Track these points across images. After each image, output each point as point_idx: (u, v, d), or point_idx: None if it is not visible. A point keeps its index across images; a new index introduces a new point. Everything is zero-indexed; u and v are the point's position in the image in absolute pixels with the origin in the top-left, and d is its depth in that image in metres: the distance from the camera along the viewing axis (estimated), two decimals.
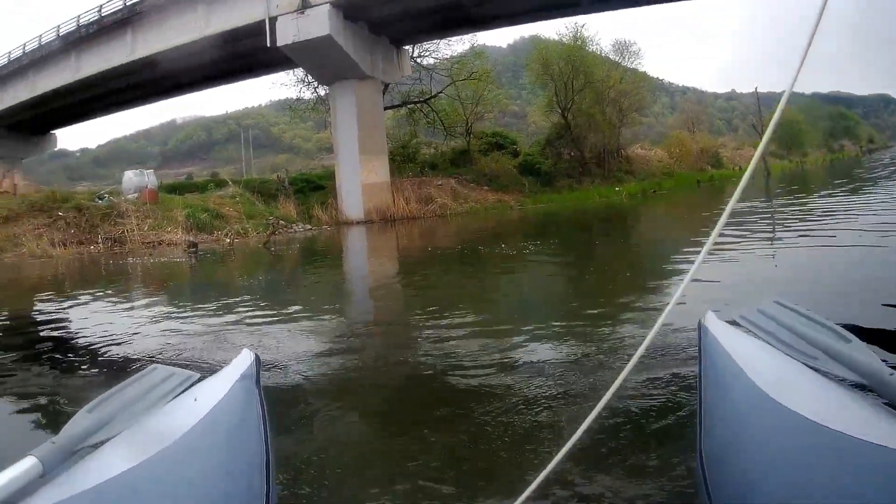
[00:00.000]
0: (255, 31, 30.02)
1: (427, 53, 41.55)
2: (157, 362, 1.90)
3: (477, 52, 43.01)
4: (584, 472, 2.49)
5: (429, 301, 7.78)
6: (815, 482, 1.03)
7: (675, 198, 34.48)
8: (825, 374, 1.33)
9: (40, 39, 39.47)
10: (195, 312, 7.96)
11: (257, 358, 1.77)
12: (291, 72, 39.76)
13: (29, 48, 40.27)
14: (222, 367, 1.76)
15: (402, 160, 37.36)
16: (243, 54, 34.32)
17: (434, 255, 14.92)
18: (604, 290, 7.63)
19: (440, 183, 35.56)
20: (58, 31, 38.20)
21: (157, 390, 1.62)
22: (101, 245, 23.74)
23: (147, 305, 9.43)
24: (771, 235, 11.31)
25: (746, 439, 1.28)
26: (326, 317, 7.09)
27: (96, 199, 27.05)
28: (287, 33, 28.80)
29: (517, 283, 9.44)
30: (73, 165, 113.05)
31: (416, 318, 6.74)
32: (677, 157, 50.98)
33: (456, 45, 41.20)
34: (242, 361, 1.74)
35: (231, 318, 7.16)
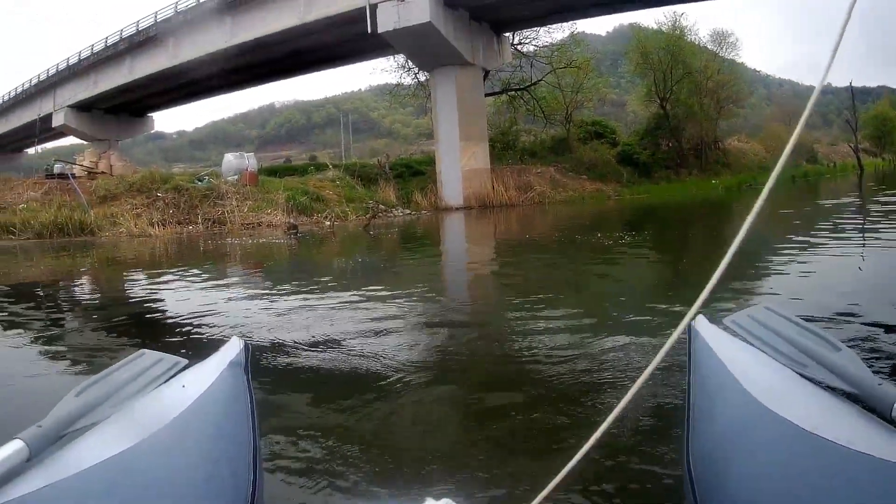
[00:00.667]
0: (355, 18, 30.16)
1: (527, 41, 41.32)
2: (148, 347, 1.79)
3: (576, 40, 42.54)
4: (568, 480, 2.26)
5: (520, 289, 7.70)
6: (804, 490, 1.03)
7: (771, 193, 33.45)
8: (815, 381, 1.32)
9: (137, 25, 40.57)
10: (287, 291, 8.03)
11: (247, 346, 1.75)
12: (392, 58, 39.99)
13: (126, 34, 41.36)
14: (212, 354, 1.73)
15: (502, 147, 37.28)
16: (343, 41, 34.62)
17: (531, 243, 14.73)
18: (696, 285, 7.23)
19: (539, 171, 35.35)
20: (155, 17, 39.18)
21: (145, 375, 1.61)
22: (200, 225, 24.16)
23: (240, 284, 9.62)
24: (861, 235, 10.88)
25: (735, 445, 1.28)
26: (416, 300, 7.01)
27: (196, 181, 27.53)
28: (388, 20, 28.89)
29: (612, 275, 9.18)
30: (169, 147, 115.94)
31: (507, 306, 6.62)
32: (773, 151, 49.54)
33: (556, 33, 40.91)
34: (231, 349, 1.73)
35: (326, 298, 7.18)
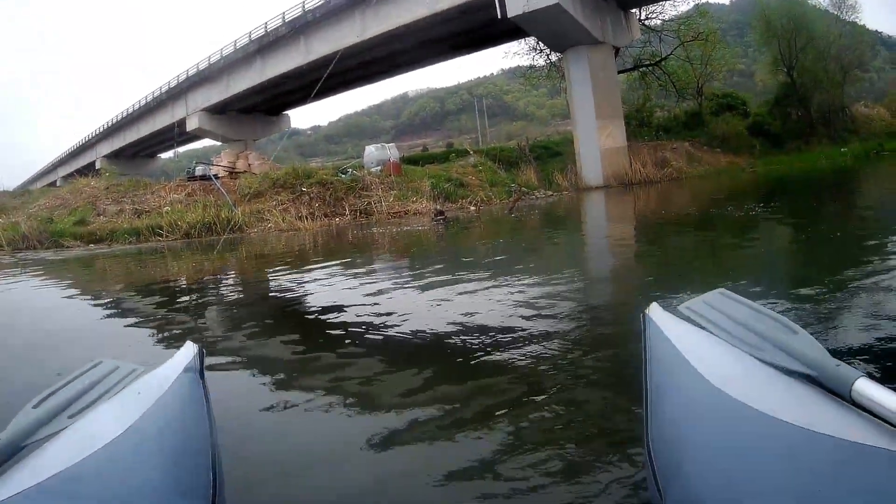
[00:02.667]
0: (485, 5, 30.59)
1: (654, 15, 41.24)
2: (105, 356, 1.83)
3: (701, 11, 42.50)
4: (529, 466, 2.46)
5: (665, 270, 7.73)
6: (765, 473, 1.02)
7: None
8: (772, 364, 1.32)
9: (266, 26, 41.73)
10: (446, 278, 7.92)
11: (201, 350, 1.78)
12: (523, 41, 40.47)
13: (255, 35, 42.64)
14: (165, 361, 1.75)
15: (637, 124, 37.39)
16: (474, 28, 35.16)
17: (666, 220, 14.73)
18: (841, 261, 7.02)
19: (674, 146, 35.42)
20: (283, 17, 40.34)
21: (102, 384, 1.62)
22: (348, 216, 24.82)
23: (400, 271, 9.64)
24: None
25: (694, 431, 1.28)
26: (554, 283, 6.81)
27: (340, 174, 28.29)
28: (517, 4, 29.16)
29: (757, 251, 8.98)
30: (305, 143, 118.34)
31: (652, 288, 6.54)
32: None
33: (681, 6, 40.98)
34: (186, 354, 1.76)
35: (479, 282, 7.21)
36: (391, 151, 31.65)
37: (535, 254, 10.80)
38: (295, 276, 9.79)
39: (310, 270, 10.14)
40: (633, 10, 37.47)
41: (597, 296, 6.26)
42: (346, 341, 4.95)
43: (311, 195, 25.92)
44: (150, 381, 1.62)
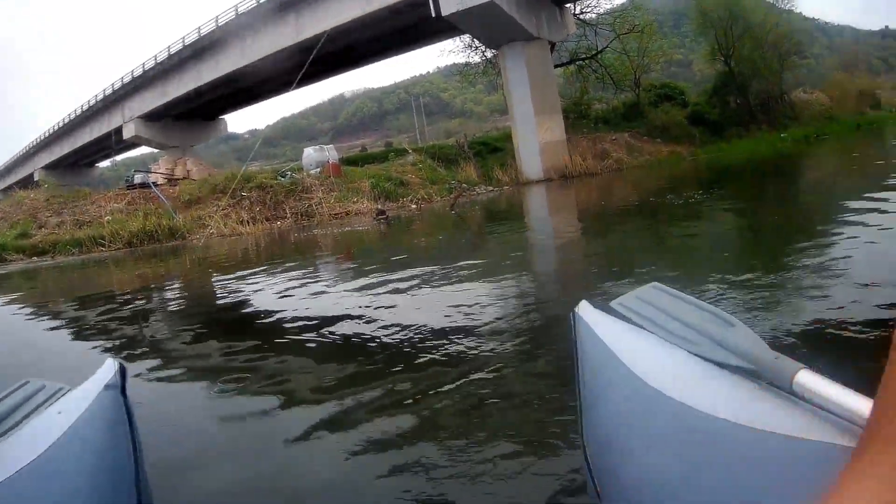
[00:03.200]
0: (418, 3, 30.67)
1: (588, 9, 41.52)
2: (32, 376, 1.75)
3: (636, 5, 43.04)
4: (465, 470, 2.40)
5: (604, 258, 7.83)
6: (704, 471, 0.99)
7: (838, 143, 33.22)
8: (709, 360, 1.25)
9: (199, 31, 41.36)
10: (387, 277, 7.89)
11: (122, 367, 1.65)
12: (458, 38, 40.49)
13: (189, 40, 42.20)
14: (86, 379, 1.65)
15: (576, 117, 37.54)
16: (409, 26, 35.13)
17: (612, 210, 14.85)
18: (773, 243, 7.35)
19: (614, 138, 35.66)
20: (216, 21, 40.01)
21: (27, 404, 1.58)
22: (289, 219, 24.79)
23: (341, 274, 9.63)
24: None
25: (630, 432, 1.22)
26: (501, 275, 6.97)
27: (279, 177, 28.25)
28: (451, 2, 29.24)
29: (697, 235, 9.18)
30: (242, 147, 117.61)
31: (589, 277, 6.70)
32: (836, 100, 49.44)
33: None
34: (106, 371, 1.65)
35: (423, 280, 7.18)
36: (330, 153, 31.67)
37: (478, 249, 10.80)
38: (237, 281, 9.80)
39: (253, 275, 10.10)
40: (568, 5, 37.60)
41: (540, 291, 6.26)
42: (288, 345, 4.86)
43: (252, 199, 25.82)
44: (71, 401, 1.55)
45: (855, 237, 6.23)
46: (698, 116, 40.07)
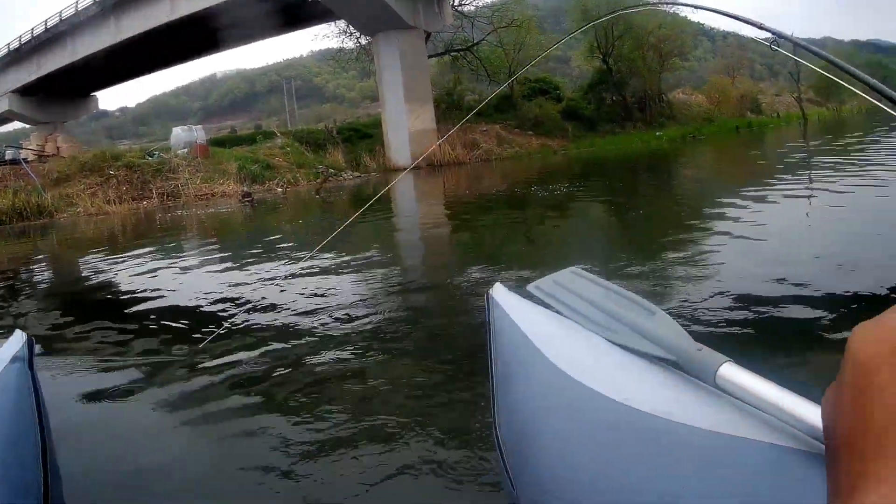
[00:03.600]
0: None
1: (468, 1, 41.82)
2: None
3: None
4: (382, 464, 2.35)
5: (468, 247, 8.03)
6: (620, 463, 0.96)
7: (713, 144, 34.37)
8: (628, 348, 1.24)
9: (76, 5, 40.13)
10: (249, 261, 7.99)
11: (30, 339, 1.66)
12: (333, 23, 40.16)
13: (66, 15, 40.92)
14: None
15: (447, 107, 37.32)
16: (284, 9, 34.80)
17: (477, 200, 15.13)
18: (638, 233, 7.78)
19: (485, 129, 35.96)
20: None
21: None
22: (155, 200, 24.53)
23: (201, 256, 9.56)
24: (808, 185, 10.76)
25: (542, 419, 1.19)
26: (371, 266, 7.00)
27: (147, 157, 27.83)
28: None
29: (560, 226, 9.46)
30: (113, 125, 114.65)
31: (455, 265, 6.78)
32: (717, 102, 50.81)
33: None
34: (14, 343, 1.66)
35: (279, 265, 7.42)
36: (198, 133, 31.22)
37: (341, 236, 10.60)
38: (103, 262, 9.66)
39: (120, 256, 9.97)
40: None
41: (404, 278, 6.32)
42: (153, 329, 4.85)
43: (119, 178, 25.41)
44: None
45: (713, 232, 6.64)
46: (572, 112, 40.63)
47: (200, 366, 3.66)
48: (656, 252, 5.93)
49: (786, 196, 8.94)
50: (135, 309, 5.70)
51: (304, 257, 7.19)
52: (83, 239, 14.69)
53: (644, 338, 1.23)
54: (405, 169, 29.07)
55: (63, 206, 23.29)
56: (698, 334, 1.27)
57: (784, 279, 4.26)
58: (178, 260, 8.92)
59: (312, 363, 3.61)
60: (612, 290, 1.47)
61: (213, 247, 10.83)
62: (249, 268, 7.29)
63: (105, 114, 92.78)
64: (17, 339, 1.68)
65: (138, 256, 9.63)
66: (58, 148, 35.65)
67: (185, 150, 28.93)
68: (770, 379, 0.93)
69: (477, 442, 2.40)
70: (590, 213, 10.63)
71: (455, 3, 40.47)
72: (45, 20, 42.60)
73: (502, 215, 11.32)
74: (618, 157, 28.13)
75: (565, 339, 1.34)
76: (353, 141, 34.67)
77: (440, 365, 3.37)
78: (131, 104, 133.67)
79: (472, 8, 42.04)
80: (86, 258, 10.63)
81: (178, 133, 31.07)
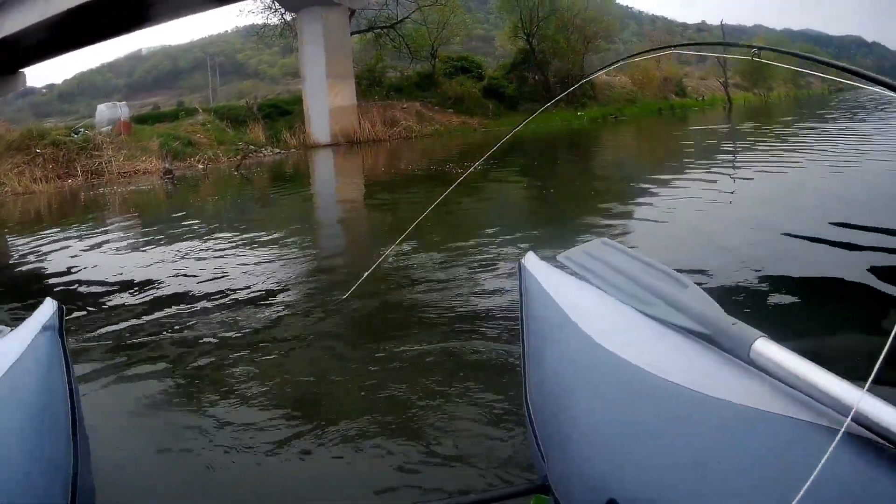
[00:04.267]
0: None
1: None
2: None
3: None
4: (413, 432, 2.47)
5: (385, 222, 8.36)
6: (652, 433, 0.98)
7: (634, 124, 35.43)
8: (660, 321, 1.26)
9: None
10: (167, 238, 8.17)
11: (61, 307, 1.71)
12: None
13: None
14: (25, 320, 1.70)
15: (368, 84, 37.76)
16: None
17: (395, 176, 15.72)
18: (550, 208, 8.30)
19: (405, 106, 36.25)
20: None
21: None
22: (80, 178, 24.32)
23: (120, 234, 9.79)
24: (731, 166, 11.48)
25: (572, 387, 1.21)
26: (288, 240, 7.31)
27: (72, 134, 27.42)
28: None
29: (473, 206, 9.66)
30: (40, 102, 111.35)
31: (373, 240, 7.13)
32: (640, 84, 51.30)
33: None
34: (45, 312, 1.69)
35: (204, 244, 7.51)
36: (122, 110, 30.93)
37: (254, 215, 11.15)
38: (29, 241, 9.69)
39: (44, 236, 10.02)
40: None
41: (324, 259, 6.44)
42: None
43: (45, 157, 25.06)
44: (9, 342, 1.56)
45: (619, 213, 7.10)
46: (494, 90, 41.02)
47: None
48: (568, 230, 6.35)
49: (690, 180, 9.41)
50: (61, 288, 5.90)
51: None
52: (11, 219, 14.72)
53: (677, 310, 1.25)
54: (324, 145, 29.59)
55: None
56: None
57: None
58: (111, 239, 9.01)
59: (274, 342, 3.74)
60: (644, 261, 1.52)
61: (133, 225, 11.09)
62: (161, 246, 7.52)
63: (32, 91, 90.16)
64: (48, 307, 1.72)
65: (60, 236, 9.81)
66: None
67: (109, 127, 28.62)
68: (804, 356, 0.96)
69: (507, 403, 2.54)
70: (502, 192, 11.01)
71: None
72: None
73: (418, 193, 11.61)
74: (536, 136, 28.46)
75: (598, 309, 1.38)
76: (274, 117, 34.65)
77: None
78: (58, 81, 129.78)
79: None
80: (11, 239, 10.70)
81: (102, 110, 30.68)
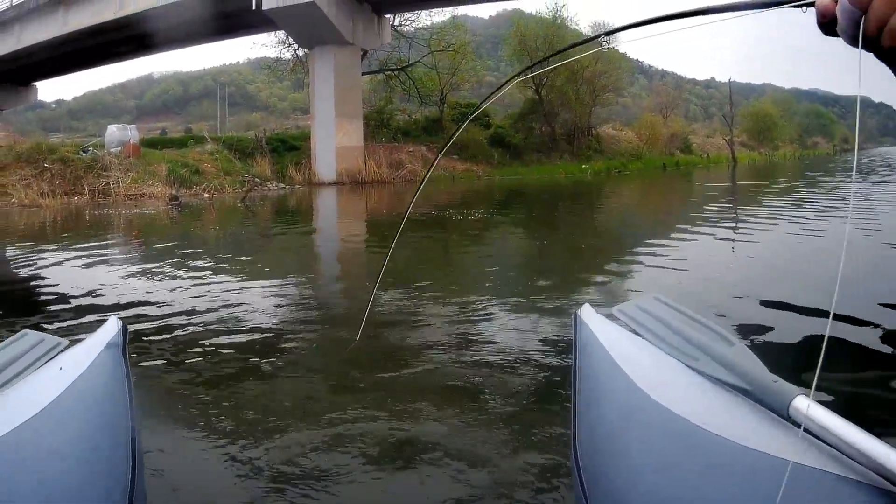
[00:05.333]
0: None
1: (408, 22, 42.35)
2: (28, 328, 1.83)
3: (457, 24, 44.14)
4: (455, 471, 2.43)
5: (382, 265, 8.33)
6: (693, 485, 1.00)
7: (638, 179, 35.53)
8: (705, 375, 1.28)
9: None
10: (174, 266, 8.04)
11: (124, 326, 1.73)
12: (273, 33, 40.54)
13: (16, 1, 40.61)
14: (89, 336, 1.70)
15: (376, 125, 38.14)
16: (228, 14, 34.90)
17: (397, 220, 15.36)
18: (542, 262, 8.14)
19: (411, 150, 36.66)
20: None
21: (25, 358, 1.59)
22: (87, 196, 24.58)
23: (130, 258, 9.62)
24: (733, 225, 11.40)
25: (621, 437, 1.24)
26: (286, 277, 7.27)
27: (81, 152, 27.81)
28: None
29: (476, 248, 9.91)
30: (49, 117, 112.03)
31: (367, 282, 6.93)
32: (646, 139, 51.55)
33: (437, 16, 41.79)
34: (109, 330, 1.71)
35: (208, 274, 7.34)
36: (132, 133, 31.22)
37: (260, 249, 11.04)
38: (37, 255, 9.72)
39: (52, 251, 10.13)
40: (388, 16, 38.51)
41: (322, 299, 6.27)
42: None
43: (53, 172, 25.42)
44: (73, 357, 1.57)
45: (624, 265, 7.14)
46: (500, 139, 41.38)
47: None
48: (563, 284, 6.32)
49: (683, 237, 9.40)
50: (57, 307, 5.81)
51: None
52: (16, 230, 15.12)
53: (722, 366, 1.27)
54: (329, 183, 29.84)
55: None
56: None
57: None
58: (108, 263, 8.92)
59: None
60: (694, 317, 1.56)
61: (143, 250, 10.99)
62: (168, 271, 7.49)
63: (41, 105, 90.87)
64: (112, 325, 1.73)
65: (67, 250, 9.96)
66: None
67: (118, 148, 28.90)
68: (841, 414, 0.99)
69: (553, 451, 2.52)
70: (504, 241, 11.13)
71: (395, 23, 41.09)
72: None
73: (419, 237, 11.52)
74: (539, 187, 29.01)
75: (648, 361, 1.41)
76: (281, 152, 34.99)
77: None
78: (68, 97, 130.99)
79: (412, 28, 42.77)
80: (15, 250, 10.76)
81: (113, 131, 30.90)
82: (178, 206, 20.48)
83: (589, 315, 1.68)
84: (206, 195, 25.97)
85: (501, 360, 3.81)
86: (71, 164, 26.05)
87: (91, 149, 28.72)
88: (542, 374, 3.54)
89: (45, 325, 4.84)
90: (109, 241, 12.23)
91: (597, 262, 7.85)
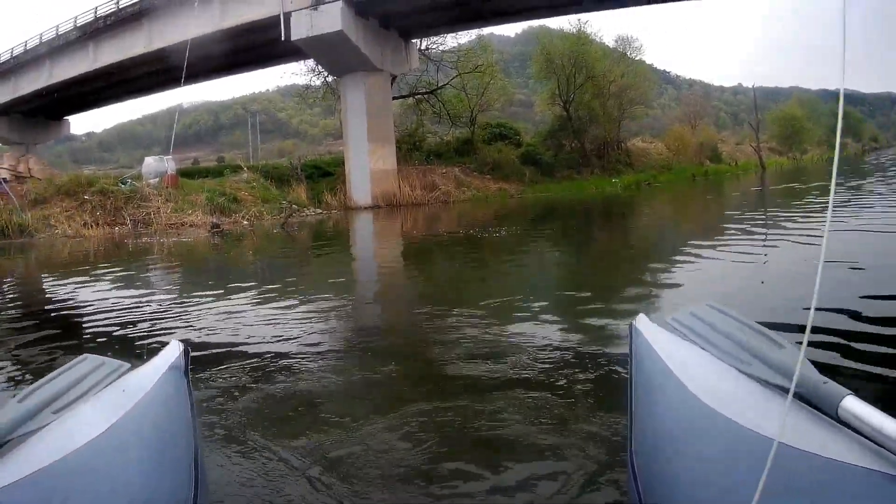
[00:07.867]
0: (268, 25, 31.28)
1: (435, 46, 42.55)
2: (89, 351, 1.85)
3: (483, 45, 44.31)
4: (516, 473, 2.51)
5: (425, 284, 8.60)
6: (746, 488, 0.98)
7: (668, 191, 35.61)
8: (758, 379, 1.31)
9: (57, 29, 40.59)
10: (223, 292, 8.17)
11: (186, 349, 1.77)
12: (303, 62, 40.98)
13: (46, 38, 41.37)
14: (151, 358, 1.75)
15: (409, 148, 38.31)
16: (257, 46, 35.67)
17: (434, 240, 15.99)
18: (581, 275, 8.42)
19: (444, 171, 36.79)
20: (75, 21, 39.39)
21: (87, 380, 1.62)
22: (128, 226, 25.07)
23: (182, 286, 9.92)
24: (764, 233, 11.48)
25: (676, 442, 1.28)
26: (330, 297, 7.38)
27: (120, 184, 28.31)
28: (301, 28, 29.93)
29: (513, 265, 10.01)
30: (79, 149, 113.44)
31: (412, 301, 7.20)
32: (675, 150, 51.33)
33: (463, 38, 42.09)
34: (171, 352, 1.75)
35: (255, 300, 7.50)
36: (169, 164, 31.71)
37: (304, 270, 11.55)
38: (90, 282, 10.22)
39: (102, 276, 10.72)
40: (414, 41, 38.76)
41: (359, 318, 6.50)
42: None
43: (93, 203, 25.95)
44: (135, 379, 1.61)
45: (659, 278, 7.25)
46: (531, 157, 41.38)
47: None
48: (603, 295, 6.46)
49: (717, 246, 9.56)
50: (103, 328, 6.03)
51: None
52: (69, 260, 15.54)
53: (774, 370, 1.30)
54: (365, 207, 30.22)
55: (42, 226, 23.99)
56: None
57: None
58: (156, 289, 9.28)
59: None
60: (745, 323, 1.57)
61: (193, 276, 11.47)
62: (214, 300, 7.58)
63: (72, 138, 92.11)
64: (174, 348, 1.77)
65: (119, 277, 10.40)
66: (29, 169, 35.96)
67: (157, 179, 29.39)
68: (891, 414, 1.00)
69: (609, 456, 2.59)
70: (539, 256, 11.18)
71: (422, 48, 41.40)
72: (25, 41, 43.08)
73: (457, 254, 12.05)
74: (570, 202, 29.20)
75: (702, 368, 1.43)
76: (315, 178, 35.43)
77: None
78: (98, 130, 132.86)
79: (439, 51, 42.95)
80: (71, 278, 11.13)
81: (150, 163, 31.37)
82: (220, 233, 21.05)
83: (644, 324, 1.76)
84: (245, 222, 26.38)
85: (561, 359, 4.04)
86: (111, 195, 26.58)
87: (129, 180, 29.27)
88: (599, 383, 3.63)
89: (105, 350, 4.78)
90: (159, 268, 12.66)
91: (650, 270, 8.06)
